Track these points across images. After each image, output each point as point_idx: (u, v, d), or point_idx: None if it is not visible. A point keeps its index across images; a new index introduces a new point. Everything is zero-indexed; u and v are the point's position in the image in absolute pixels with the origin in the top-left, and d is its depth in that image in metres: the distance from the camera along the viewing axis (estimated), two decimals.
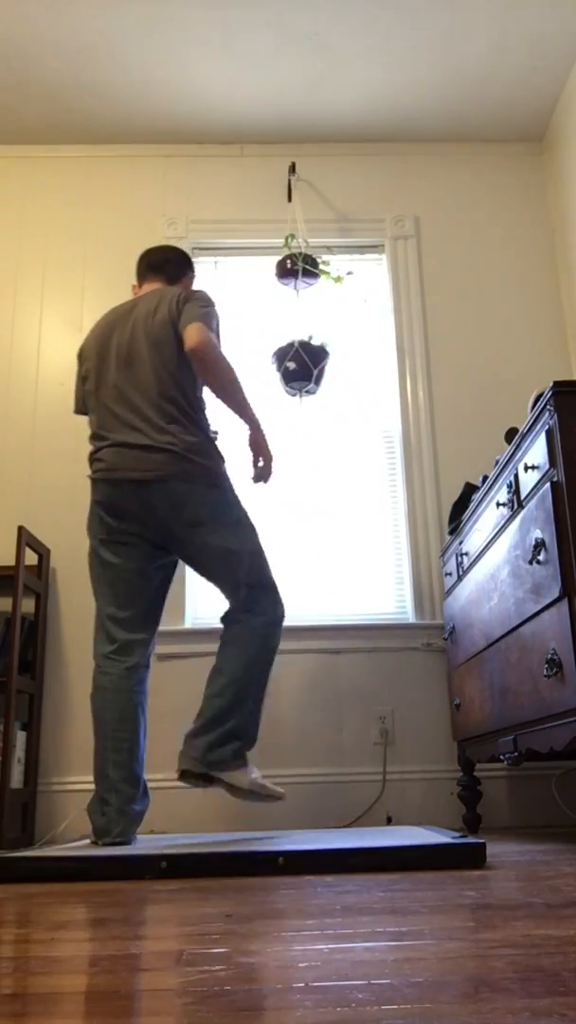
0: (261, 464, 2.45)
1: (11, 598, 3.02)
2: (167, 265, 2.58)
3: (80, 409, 2.55)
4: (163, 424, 2.30)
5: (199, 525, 2.28)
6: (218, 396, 2.33)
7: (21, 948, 0.99)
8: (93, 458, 2.37)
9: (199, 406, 2.40)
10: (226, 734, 2.18)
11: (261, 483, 2.48)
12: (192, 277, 2.65)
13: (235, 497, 2.36)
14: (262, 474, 2.46)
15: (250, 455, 2.48)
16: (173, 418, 2.31)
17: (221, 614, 2.37)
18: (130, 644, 2.30)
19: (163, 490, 2.26)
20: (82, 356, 2.51)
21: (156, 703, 3.10)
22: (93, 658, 2.33)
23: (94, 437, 2.39)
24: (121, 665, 2.27)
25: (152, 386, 2.33)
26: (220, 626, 3.17)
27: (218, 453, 2.37)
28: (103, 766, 2.20)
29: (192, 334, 2.29)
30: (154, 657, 3.10)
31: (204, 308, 2.35)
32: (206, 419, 2.41)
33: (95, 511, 2.35)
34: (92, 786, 3.02)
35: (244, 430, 2.50)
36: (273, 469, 2.46)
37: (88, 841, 2.28)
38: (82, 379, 2.50)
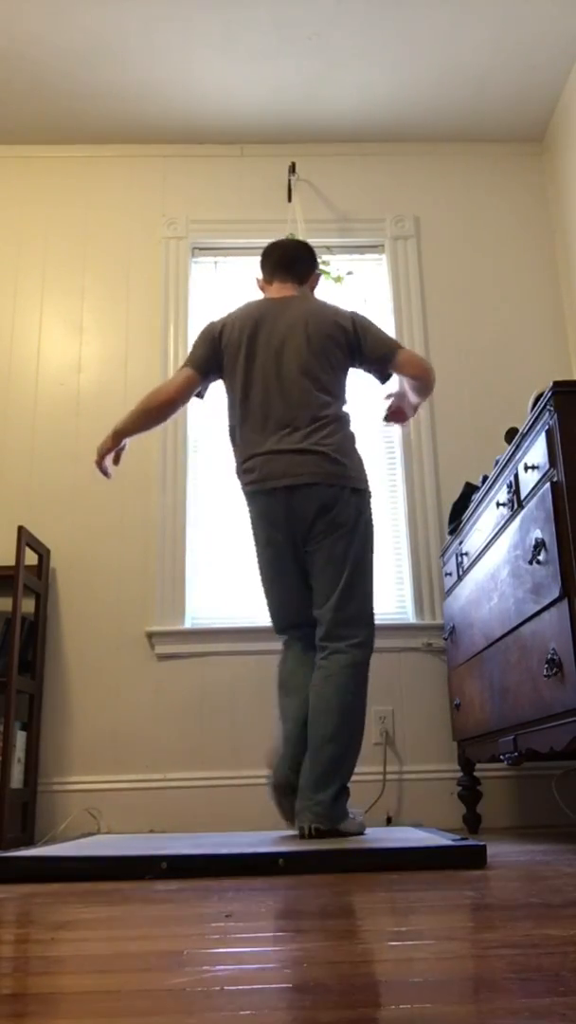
0: (408, 409, 2.53)
1: (11, 598, 3.02)
2: (297, 264, 2.58)
3: (201, 369, 2.45)
4: (314, 427, 2.31)
5: (337, 527, 2.28)
6: (419, 398, 2.50)
7: (21, 948, 0.99)
8: (245, 468, 2.36)
9: (346, 412, 2.42)
10: (342, 784, 2.19)
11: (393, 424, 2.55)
12: (318, 275, 2.66)
13: (372, 520, 2.38)
14: (404, 416, 2.55)
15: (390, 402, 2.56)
16: (322, 421, 2.33)
17: (317, 643, 2.34)
18: (293, 628, 2.38)
19: (309, 493, 2.26)
20: (222, 332, 2.45)
21: (157, 702, 3.10)
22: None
23: (245, 444, 2.37)
24: (290, 647, 2.41)
25: (307, 395, 2.34)
26: (219, 625, 3.18)
27: (362, 460, 2.40)
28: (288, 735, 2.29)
29: (417, 362, 2.42)
30: (153, 654, 3.11)
31: (385, 331, 2.48)
32: (351, 428, 2.42)
33: (258, 523, 2.36)
34: (93, 786, 3.02)
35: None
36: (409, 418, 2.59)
37: (93, 840, 2.28)
38: (216, 347, 2.45)
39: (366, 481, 2.36)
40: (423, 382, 2.43)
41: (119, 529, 3.30)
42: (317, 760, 2.17)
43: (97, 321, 3.57)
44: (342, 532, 2.28)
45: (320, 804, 2.13)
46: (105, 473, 2.47)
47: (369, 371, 2.49)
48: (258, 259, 3.63)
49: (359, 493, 2.32)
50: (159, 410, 2.43)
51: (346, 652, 2.25)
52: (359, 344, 2.44)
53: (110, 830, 2.97)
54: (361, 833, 2.19)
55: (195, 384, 2.46)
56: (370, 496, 2.37)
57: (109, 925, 1.12)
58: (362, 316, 2.50)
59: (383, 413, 2.56)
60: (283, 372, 2.36)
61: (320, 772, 2.16)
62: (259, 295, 2.60)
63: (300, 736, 2.25)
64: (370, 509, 2.36)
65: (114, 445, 2.44)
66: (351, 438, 2.37)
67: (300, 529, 2.29)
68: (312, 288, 2.62)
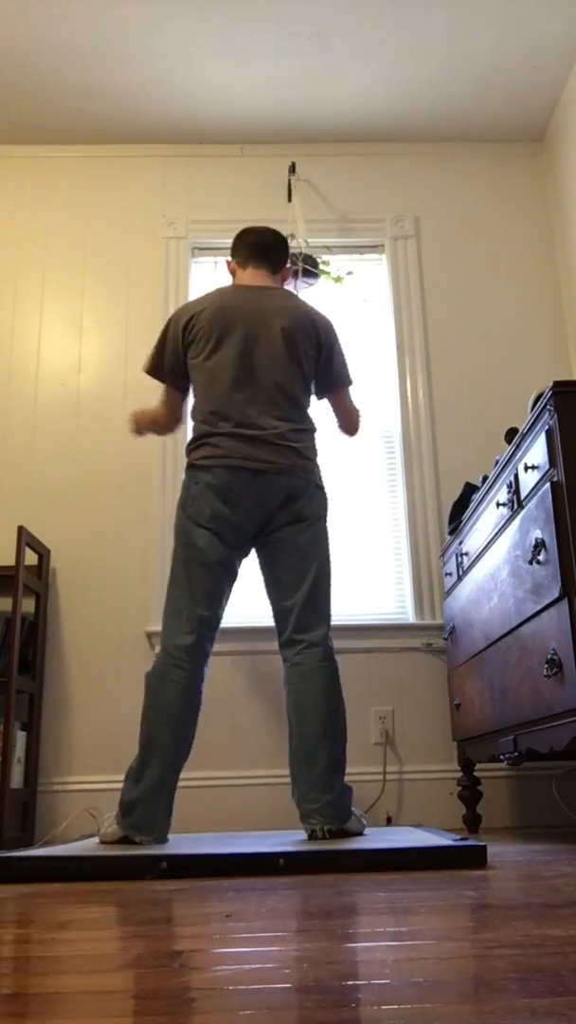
0: None
1: (11, 598, 3.02)
2: (273, 252, 2.56)
3: (158, 374, 2.47)
4: (285, 421, 2.33)
5: (301, 520, 2.29)
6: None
7: (21, 948, 0.98)
8: (204, 443, 2.32)
9: (313, 421, 2.45)
10: (344, 782, 2.18)
11: None
12: (289, 269, 2.67)
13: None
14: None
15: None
16: (294, 415, 2.35)
17: (281, 640, 2.30)
18: (204, 641, 2.23)
19: (276, 481, 2.27)
20: (188, 324, 2.42)
21: None
22: (165, 646, 2.22)
23: (208, 422, 2.33)
24: (196, 662, 2.20)
25: (279, 391, 2.35)
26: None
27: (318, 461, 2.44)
28: (162, 761, 2.12)
29: (356, 417, 2.57)
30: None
31: (347, 364, 2.55)
32: (315, 431, 2.46)
33: (204, 495, 2.26)
34: (93, 786, 3.02)
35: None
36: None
37: (93, 840, 2.28)
38: (176, 345, 2.43)
39: (321, 478, 2.40)
40: (351, 436, 2.60)
41: (119, 529, 3.30)
42: (315, 760, 2.15)
43: (97, 321, 3.57)
44: (308, 524, 2.30)
45: (330, 805, 2.12)
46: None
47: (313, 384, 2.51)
48: None
49: (322, 491, 2.37)
50: (164, 431, 2.57)
51: (319, 645, 2.24)
52: (319, 360, 2.46)
53: None
54: (362, 833, 2.19)
55: (181, 402, 2.52)
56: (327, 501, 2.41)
57: (109, 925, 1.12)
58: (334, 332, 2.51)
59: None
60: (257, 363, 2.36)
61: (321, 771, 2.15)
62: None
63: (177, 760, 2.15)
64: (327, 513, 2.39)
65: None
66: (315, 445, 2.43)
67: (257, 515, 2.27)
68: (283, 280, 2.61)
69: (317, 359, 2.45)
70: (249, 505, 2.27)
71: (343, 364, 2.52)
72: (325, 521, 2.36)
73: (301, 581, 2.28)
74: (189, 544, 2.27)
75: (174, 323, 2.46)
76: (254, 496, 2.26)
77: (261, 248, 2.55)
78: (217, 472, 2.27)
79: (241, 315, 2.39)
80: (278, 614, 2.30)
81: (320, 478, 2.38)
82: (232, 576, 2.30)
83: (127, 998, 0.72)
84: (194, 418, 2.40)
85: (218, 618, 2.28)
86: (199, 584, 2.24)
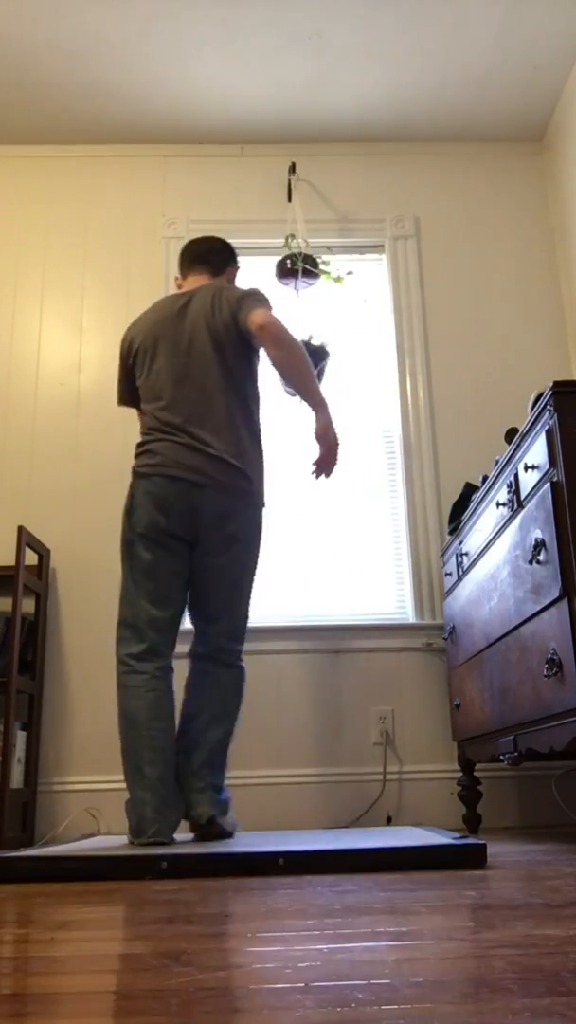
0: (324, 454, 2.35)
1: (11, 598, 3.02)
2: (211, 256, 2.55)
3: (126, 401, 2.50)
4: (226, 433, 2.29)
5: (235, 542, 2.28)
6: (288, 377, 2.29)
7: (21, 948, 0.98)
8: (144, 450, 2.32)
9: (258, 419, 2.40)
10: (224, 773, 2.25)
11: (323, 476, 2.41)
12: (236, 268, 2.62)
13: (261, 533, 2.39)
14: (326, 466, 2.37)
15: (314, 444, 2.37)
16: (235, 427, 2.31)
17: (192, 649, 2.37)
18: (161, 645, 2.27)
19: (214, 498, 2.25)
20: (130, 347, 2.46)
21: None
22: (119, 657, 2.27)
23: (150, 428, 2.34)
24: (152, 665, 2.24)
25: (215, 390, 2.31)
26: None
27: (263, 477, 2.39)
28: (139, 766, 2.15)
29: (259, 315, 2.27)
30: None
31: (262, 299, 2.35)
32: (261, 435, 2.41)
33: (143, 503, 2.27)
34: (93, 786, 3.02)
35: (310, 417, 2.43)
36: (338, 460, 2.38)
37: (93, 840, 2.28)
38: (128, 370, 2.47)
39: (263, 498, 2.37)
40: (270, 338, 2.24)
41: (119, 529, 3.30)
42: (206, 740, 2.22)
43: (97, 321, 3.57)
44: (239, 548, 2.29)
45: (216, 788, 2.18)
46: None
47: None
48: (257, 259, 3.65)
49: (258, 511, 2.34)
50: None
51: (236, 667, 2.33)
52: (237, 314, 2.35)
53: (110, 830, 2.97)
54: (231, 836, 2.20)
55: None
56: (263, 507, 2.38)
57: (109, 925, 1.12)
58: (253, 290, 2.38)
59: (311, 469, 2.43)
60: (191, 367, 2.34)
61: (209, 751, 2.21)
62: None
63: (170, 775, 2.17)
64: (262, 521, 2.37)
65: None
66: (259, 450, 2.37)
67: (190, 526, 2.26)
68: (229, 280, 2.58)
69: (237, 324, 2.34)
70: (183, 515, 2.26)
71: (246, 302, 2.32)
72: (257, 540, 2.33)
73: (222, 606, 2.31)
74: (133, 555, 2.30)
75: (122, 347, 2.50)
76: (188, 507, 2.25)
77: (199, 256, 2.55)
78: (156, 480, 2.27)
79: (169, 324, 2.39)
80: (199, 626, 2.35)
81: (259, 495, 2.33)
82: (180, 578, 2.30)
83: (127, 998, 0.72)
84: (141, 429, 2.42)
85: (175, 621, 2.31)
86: (147, 593, 2.27)
